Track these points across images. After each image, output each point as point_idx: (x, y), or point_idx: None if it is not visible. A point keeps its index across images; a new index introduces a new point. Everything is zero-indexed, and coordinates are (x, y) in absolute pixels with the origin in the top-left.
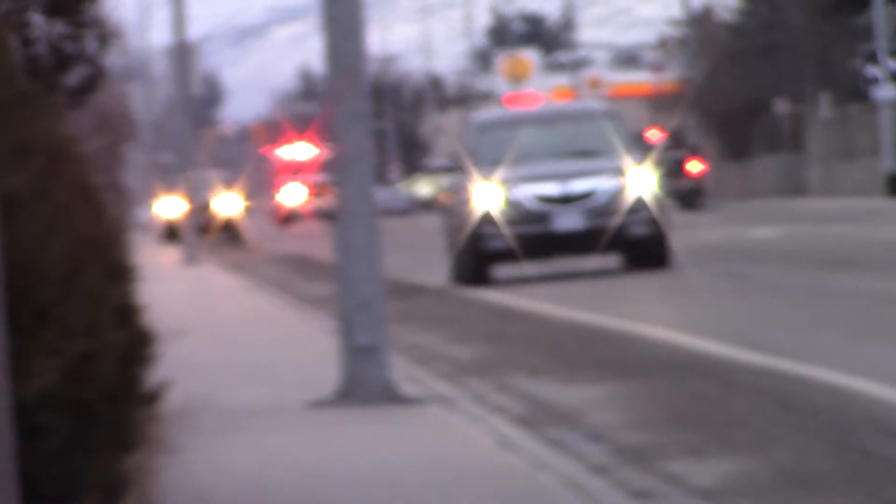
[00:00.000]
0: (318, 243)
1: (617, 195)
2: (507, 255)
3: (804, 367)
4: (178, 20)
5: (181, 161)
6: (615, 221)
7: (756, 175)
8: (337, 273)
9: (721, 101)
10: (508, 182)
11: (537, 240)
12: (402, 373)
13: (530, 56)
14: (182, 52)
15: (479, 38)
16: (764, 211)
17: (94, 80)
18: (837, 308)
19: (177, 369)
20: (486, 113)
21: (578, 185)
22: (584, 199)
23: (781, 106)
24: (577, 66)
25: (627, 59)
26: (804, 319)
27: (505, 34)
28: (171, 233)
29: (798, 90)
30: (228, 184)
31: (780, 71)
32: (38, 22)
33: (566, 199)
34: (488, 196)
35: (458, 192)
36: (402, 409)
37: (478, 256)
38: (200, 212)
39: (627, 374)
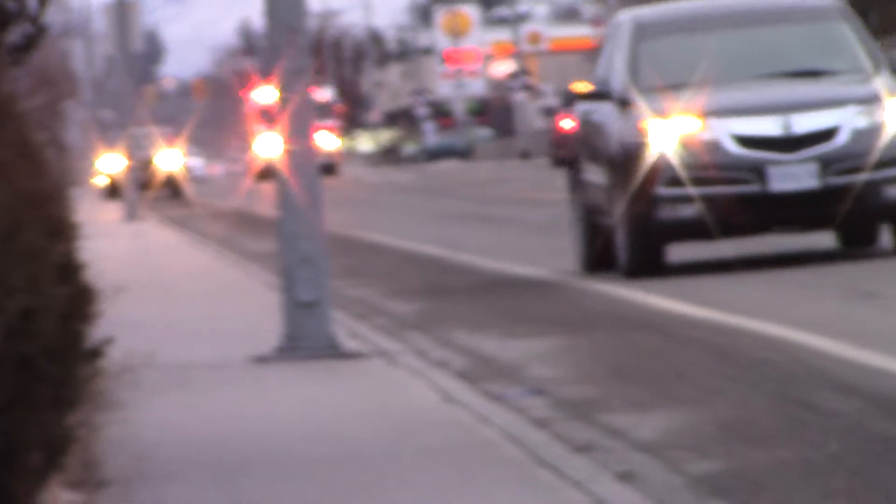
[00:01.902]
0: (259, 198)
1: (869, 137)
2: (695, 229)
3: (743, 318)
4: None
5: (122, 118)
6: (869, 178)
7: None
8: (278, 229)
9: None
10: (695, 116)
11: (744, 205)
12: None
13: (470, 11)
14: (122, 9)
15: None
16: None
17: (35, 38)
18: (774, 261)
19: (119, 326)
20: (648, 11)
21: (808, 122)
22: (819, 142)
23: None
24: (516, 21)
25: (567, 13)
26: (742, 271)
27: None
28: (113, 189)
29: None
30: (169, 140)
31: None
32: None
33: (789, 144)
34: (663, 139)
35: (603, 135)
36: (345, 363)
37: (650, 231)
38: (141, 168)
39: (570, 327)
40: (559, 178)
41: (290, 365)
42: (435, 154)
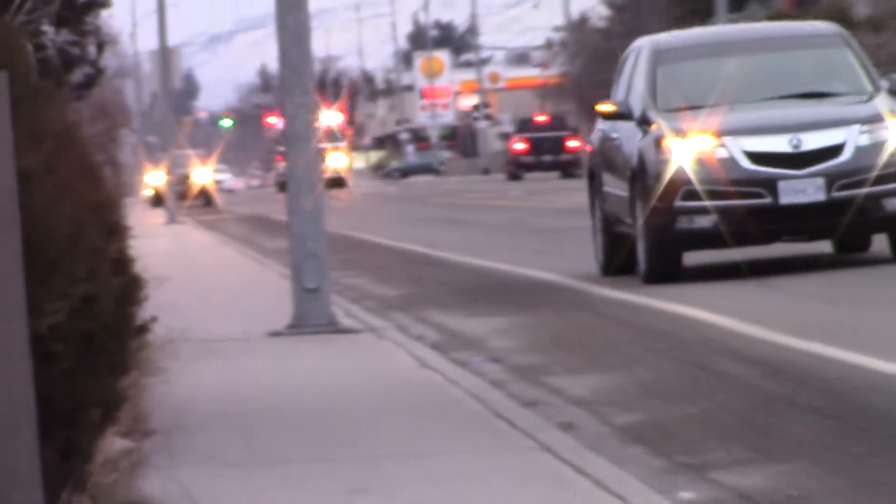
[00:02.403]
0: (275, 205)
1: (872, 154)
2: (710, 238)
3: (658, 301)
4: (162, 29)
5: (164, 142)
6: (871, 192)
7: None
8: (289, 230)
9: (595, 91)
10: (711, 135)
11: (756, 217)
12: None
13: (442, 56)
14: (165, 55)
15: (402, 42)
16: None
17: (94, 78)
18: (687, 255)
19: (162, 308)
20: (665, 37)
21: (816, 140)
22: (826, 159)
23: None
24: (479, 64)
25: (520, 58)
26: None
27: (422, 38)
28: (157, 199)
29: None
30: (202, 159)
31: None
32: (48, 31)
33: (799, 160)
34: (681, 156)
35: (624, 151)
36: (342, 337)
37: (668, 241)
38: (180, 182)
39: (521, 308)
40: (512, 188)
41: (298, 338)
42: (414, 170)
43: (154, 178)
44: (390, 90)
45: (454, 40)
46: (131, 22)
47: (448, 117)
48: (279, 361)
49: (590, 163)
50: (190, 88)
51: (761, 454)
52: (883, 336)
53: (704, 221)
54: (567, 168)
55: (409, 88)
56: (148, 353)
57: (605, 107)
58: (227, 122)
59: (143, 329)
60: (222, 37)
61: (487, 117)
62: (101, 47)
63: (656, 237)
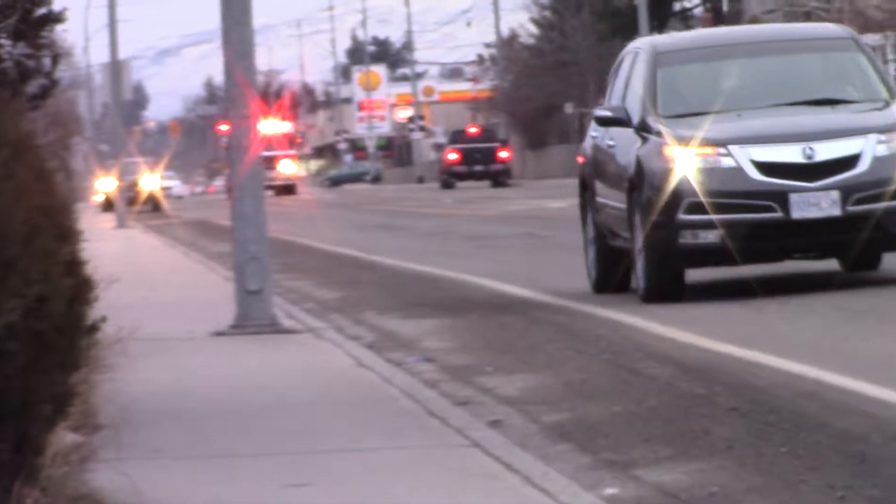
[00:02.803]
0: (219, 211)
1: (889, 165)
2: (715, 255)
3: (586, 305)
4: (113, 43)
5: (115, 150)
6: (890, 206)
7: (550, 161)
8: (233, 234)
9: (524, 104)
10: (716, 143)
11: (766, 232)
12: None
13: (379, 70)
14: (115, 68)
15: (341, 57)
16: (556, 188)
17: (49, 89)
18: None
19: (111, 308)
20: (664, 38)
21: (830, 150)
22: (840, 171)
23: (570, 108)
24: (414, 78)
25: (453, 73)
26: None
27: (360, 54)
28: (108, 204)
29: (583, 96)
30: (151, 167)
31: (569, 81)
32: (5, 44)
33: (811, 172)
34: (684, 165)
35: (621, 160)
36: (283, 337)
37: (671, 257)
38: (129, 188)
39: (453, 311)
40: (445, 196)
41: (241, 338)
42: (352, 178)
43: (105, 185)
44: (330, 102)
45: (391, 55)
46: (84, 36)
47: (384, 128)
48: (223, 360)
49: (581, 172)
50: (139, 99)
51: (683, 452)
52: (811, 343)
53: (710, 236)
54: (498, 177)
55: (348, 101)
56: (98, 351)
57: (601, 112)
58: (174, 134)
59: (94, 328)
60: (170, 50)
61: (422, 129)
62: (55, 60)
63: (657, 253)
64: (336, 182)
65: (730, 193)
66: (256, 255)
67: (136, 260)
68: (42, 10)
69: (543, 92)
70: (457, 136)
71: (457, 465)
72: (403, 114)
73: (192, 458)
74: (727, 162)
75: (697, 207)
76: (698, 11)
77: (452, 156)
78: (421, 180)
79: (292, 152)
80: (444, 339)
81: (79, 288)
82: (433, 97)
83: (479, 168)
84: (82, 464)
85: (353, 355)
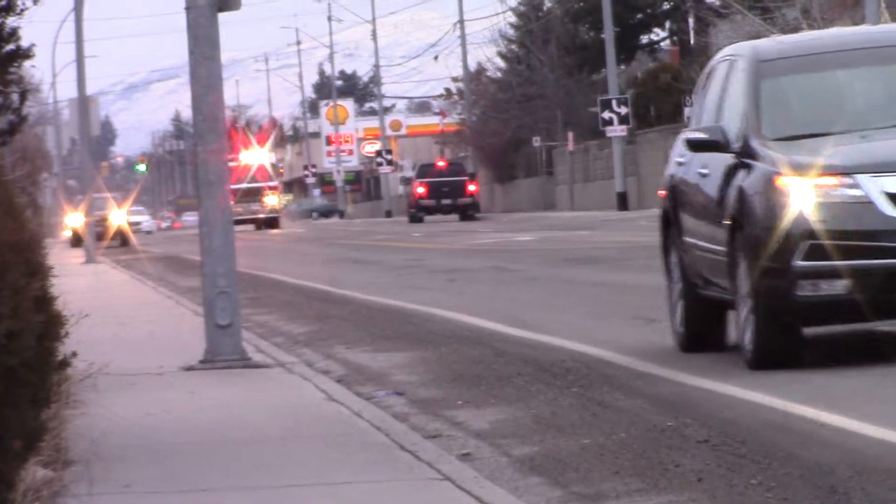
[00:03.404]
0: (187, 246)
1: None
2: (841, 310)
3: (555, 339)
4: (81, 78)
5: (83, 185)
6: None
7: (518, 194)
8: (202, 269)
9: (492, 138)
10: (840, 171)
11: None
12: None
13: (347, 105)
14: (83, 103)
15: (308, 91)
16: (524, 221)
17: (17, 124)
18: (579, 294)
19: (81, 343)
20: (767, 43)
21: None
22: None
23: (537, 141)
24: (382, 112)
25: (420, 106)
26: (554, 303)
27: (327, 88)
28: (76, 239)
29: (550, 129)
30: (119, 202)
31: (536, 115)
32: None
33: None
34: (800, 199)
35: (717, 191)
36: (253, 371)
37: (785, 312)
38: (98, 223)
39: (422, 344)
40: (413, 230)
41: (211, 373)
42: (321, 213)
43: (73, 220)
44: (297, 136)
45: (358, 89)
46: (52, 71)
47: (352, 162)
48: (193, 394)
49: (664, 205)
50: (107, 134)
51: (651, 484)
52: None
53: (834, 287)
54: (466, 211)
55: (316, 135)
56: (68, 387)
57: (692, 134)
58: (141, 167)
59: (64, 363)
60: (138, 85)
61: (389, 162)
62: (23, 96)
63: (769, 307)
64: (323, 214)
65: (858, 234)
66: (226, 290)
67: (105, 295)
68: (10, 47)
69: (511, 125)
70: (425, 170)
71: (428, 499)
72: (371, 148)
73: (163, 493)
74: (854, 194)
75: (818, 251)
76: (665, 44)
77: (420, 189)
78: (389, 214)
79: (275, 184)
80: (415, 373)
81: (49, 323)
82: (401, 131)
83: (447, 202)
84: (53, 499)
85: (324, 389)
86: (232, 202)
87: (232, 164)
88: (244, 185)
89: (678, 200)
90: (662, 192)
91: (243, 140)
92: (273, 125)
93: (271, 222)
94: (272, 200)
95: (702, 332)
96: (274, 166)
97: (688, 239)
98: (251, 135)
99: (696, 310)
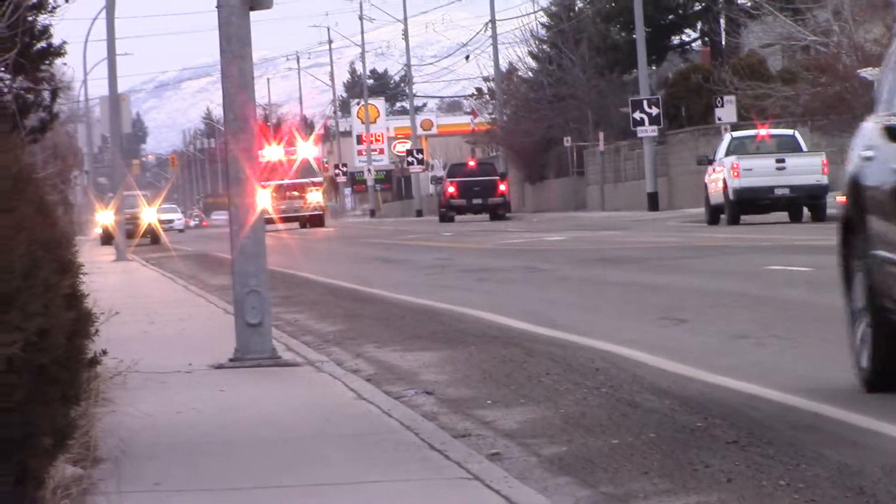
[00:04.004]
0: (218, 244)
1: None
2: None
3: (584, 338)
4: (112, 76)
5: (114, 183)
6: None
7: (549, 194)
8: (232, 268)
9: (522, 138)
10: None
11: None
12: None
13: (378, 104)
14: (115, 101)
15: (339, 90)
16: (554, 221)
17: (48, 122)
18: (610, 294)
19: (111, 341)
20: None
21: None
22: None
23: (568, 141)
24: (413, 111)
25: (452, 106)
26: (585, 303)
27: (358, 87)
28: (107, 237)
29: (581, 130)
30: (149, 200)
31: (567, 115)
32: (5, 77)
33: None
34: None
35: None
36: (283, 369)
37: None
38: (129, 221)
39: (452, 344)
40: (444, 229)
41: (240, 371)
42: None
43: (104, 218)
44: (329, 135)
45: (389, 89)
46: (83, 69)
47: (383, 161)
48: (223, 393)
49: (846, 212)
50: (138, 132)
51: (680, 485)
52: (790, 369)
53: None
54: (496, 211)
55: (347, 134)
56: (98, 385)
57: (878, 121)
58: (173, 167)
59: (94, 361)
60: (169, 84)
61: (420, 162)
62: (55, 93)
63: None
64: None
65: None
66: (256, 288)
67: (135, 292)
68: (42, 44)
69: (542, 125)
70: (455, 170)
71: (457, 499)
72: (402, 147)
73: (192, 491)
74: None
75: None
76: (696, 45)
77: (451, 189)
78: (420, 213)
79: (320, 180)
80: (444, 372)
81: (79, 321)
82: (432, 130)
83: (477, 201)
84: (82, 497)
85: (353, 388)
86: (274, 199)
87: (274, 159)
88: (287, 181)
89: (866, 205)
90: (842, 198)
91: (288, 135)
92: (306, 123)
93: (315, 220)
94: (316, 197)
95: (892, 368)
96: (318, 161)
97: (880, 253)
98: (296, 130)
99: (886, 340)
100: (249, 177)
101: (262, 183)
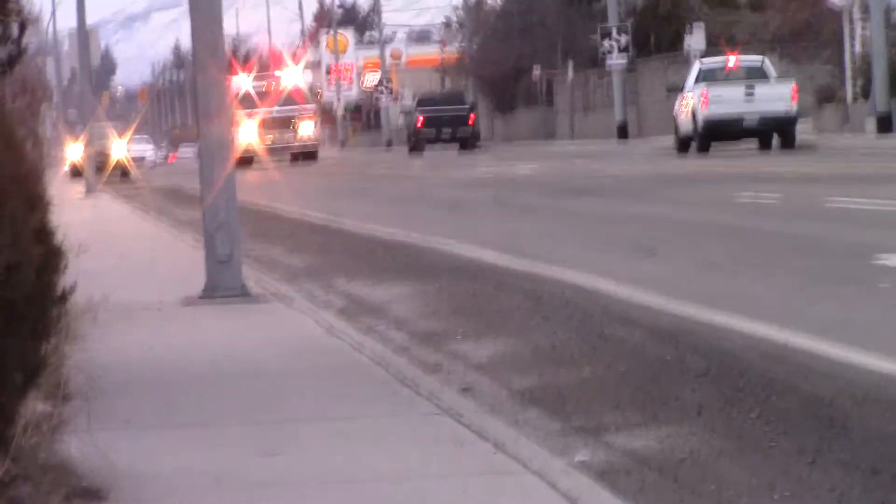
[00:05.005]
0: (188, 178)
1: None
2: None
3: (554, 269)
4: (81, 9)
5: (83, 116)
6: None
7: (519, 124)
8: (202, 201)
9: (492, 68)
10: None
11: None
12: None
13: (347, 35)
14: (83, 34)
15: (308, 21)
16: (525, 152)
17: (16, 56)
18: (580, 225)
19: (81, 275)
20: None
21: None
22: None
23: (537, 71)
24: (382, 42)
25: (421, 36)
26: (554, 233)
27: (328, 18)
28: (76, 171)
29: (550, 59)
30: (120, 133)
31: (536, 44)
32: None
33: None
34: None
35: None
36: (253, 304)
37: None
38: (98, 155)
39: (422, 277)
40: (414, 160)
41: (211, 306)
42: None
43: (74, 152)
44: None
45: (357, 19)
46: (51, 2)
47: (353, 93)
48: (193, 328)
49: None
50: (108, 65)
51: (651, 417)
52: (778, 303)
53: None
54: (466, 141)
55: (317, 65)
56: (68, 321)
57: None
58: (142, 100)
59: (64, 297)
60: (138, 15)
61: (390, 93)
62: (23, 27)
63: None
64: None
65: None
66: (226, 222)
67: (105, 227)
68: None
69: (511, 55)
70: (425, 101)
71: (428, 433)
72: (371, 79)
73: (163, 428)
74: None
75: None
76: None
77: (421, 120)
78: (390, 144)
79: (311, 108)
80: (413, 305)
81: (49, 256)
82: (401, 61)
83: (447, 132)
84: (53, 434)
85: (324, 322)
86: (261, 132)
87: (262, 86)
88: (275, 111)
89: None
90: None
91: (275, 58)
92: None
93: (308, 154)
94: (307, 128)
95: None
96: (311, 88)
97: None
98: (284, 54)
99: None
100: (219, 108)
101: (248, 112)
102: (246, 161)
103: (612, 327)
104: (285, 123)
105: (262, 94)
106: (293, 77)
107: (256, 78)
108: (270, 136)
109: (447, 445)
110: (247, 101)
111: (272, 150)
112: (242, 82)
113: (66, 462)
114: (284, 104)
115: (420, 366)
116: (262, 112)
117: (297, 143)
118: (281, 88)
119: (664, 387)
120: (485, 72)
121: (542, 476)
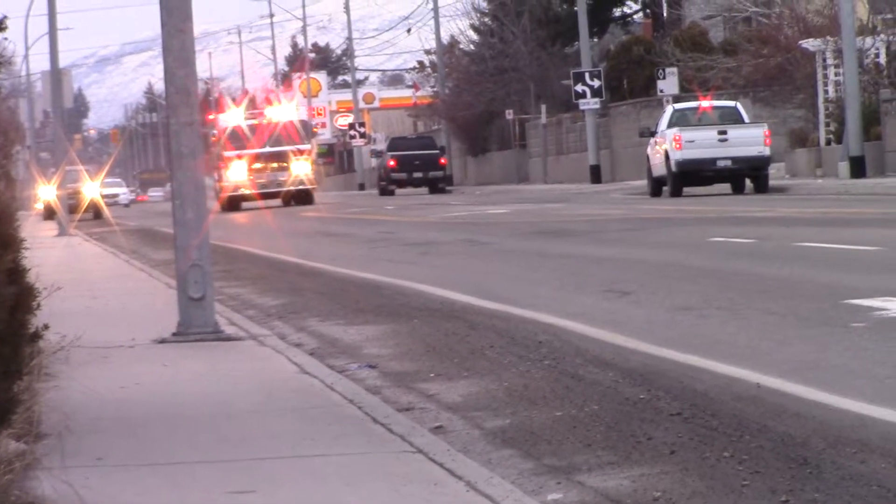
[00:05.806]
0: (161, 220)
1: None
2: None
3: (527, 311)
4: (54, 51)
5: (56, 158)
6: None
7: (492, 167)
8: (175, 242)
9: (464, 111)
10: None
11: None
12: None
13: (320, 77)
14: (56, 75)
15: (281, 64)
16: (497, 194)
17: None
18: (553, 267)
19: (53, 316)
20: None
21: None
22: None
23: (510, 114)
24: (355, 85)
25: (393, 79)
26: (527, 276)
27: (300, 60)
28: (49, 212)
29: (523, 102)
30: (92, 175)
31: (509, 88)
32: None
33: None
34: None
35: None
36: (226, 344)
37: None
38: (71, 196)
39: (395, 317)
40: (386, 203)
41: (183, 346)
42: None
43: (46, 192)
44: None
45: (330, 62)
46: (24, 44)
47: (326, 135)
48: (166, 368)
49: None
50: (80, 107)
51: (624, 457)
52: (748, 345)
53: None
54: (436, 184)
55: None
56: (41, 360)
57: None
58: (114, 141)
59: (37, 336)
60: (111, 58)
61: (363, 135)
62: None
63: None
64: None
65: None
66: (198, 263)
67: (78, 267)
68: None
69: (484, 98)
70: (396, 143)
71: (400, 472)
72: (344, 121)
73: (136, 466)
74: None
75: None
76: (638, 17)
77: (392, 162)
78: (362, 187)
79: (307, 147)
80: (387, 346)
81: (21, 295)
82: (374, 104)
83: (418, 175)
84: (26, 472)
85: (296, 362)
86: (251, 172)
87: (254, 122)
88: (266, 150)
89: None
90: None
91: (266, 94)
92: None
93: (302, 195)
94: (302, 168)
95: None
96: (306, 124)
97: None
98: (277, 90)
99: None
100: (192, 151)
101: (238, 153)
102: (234, 205)
103: (584, 368)
104: (277, 163)
105: (253, 131)
106: (287, 112)
107: (247, 116)
108: (262, 177)
109: (420, 484)
110: (236, 140)
111: (264, 192)
112: (231, 119)
113: (39, 500)
114: (277, 142)
115: (393, 405)
116: (252, 151)
117: (290, 185)
118: (274, 123)
119: (637, 427)
120: (457, 115)
121: None
